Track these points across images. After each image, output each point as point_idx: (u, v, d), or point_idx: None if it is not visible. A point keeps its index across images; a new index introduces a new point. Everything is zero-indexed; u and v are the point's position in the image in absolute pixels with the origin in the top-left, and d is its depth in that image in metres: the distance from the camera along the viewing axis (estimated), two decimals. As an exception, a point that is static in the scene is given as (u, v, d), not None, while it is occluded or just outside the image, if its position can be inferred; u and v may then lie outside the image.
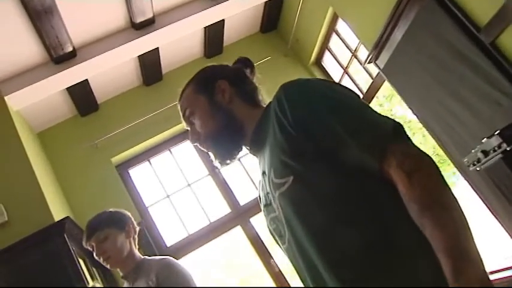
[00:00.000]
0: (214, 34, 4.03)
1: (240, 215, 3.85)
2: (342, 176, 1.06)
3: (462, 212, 0.92)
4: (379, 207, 1.03)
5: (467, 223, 0.90)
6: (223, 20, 3.89)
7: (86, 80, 3.54)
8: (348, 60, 3.98)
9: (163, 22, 3.45)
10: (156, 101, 3.95)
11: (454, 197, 0.94)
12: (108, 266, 1.95)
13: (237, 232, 3.85)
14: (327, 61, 4.31)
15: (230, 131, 1.26)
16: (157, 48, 3.72)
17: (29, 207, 2.84)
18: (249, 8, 3.97)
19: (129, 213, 2.07)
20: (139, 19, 3.31)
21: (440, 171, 0.96)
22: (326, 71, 4.33)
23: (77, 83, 3.46)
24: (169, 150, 4.07)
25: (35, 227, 2.69)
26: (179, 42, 3.85)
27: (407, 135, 1.04)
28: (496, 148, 2.40)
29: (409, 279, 0.97)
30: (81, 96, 3.70)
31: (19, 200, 2.82)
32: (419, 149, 1.00)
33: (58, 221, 2.80)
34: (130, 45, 3.38)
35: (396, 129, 1.02)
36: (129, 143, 3.85)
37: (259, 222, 3.93)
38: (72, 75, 3.29)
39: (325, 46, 4.18)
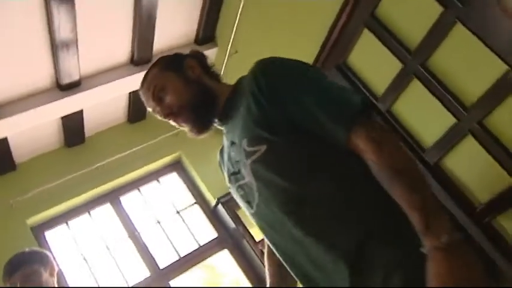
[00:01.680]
0: (139, 99, 4.13)
1: (159, 278, 3.82)
2: (311, 147, 1.16)
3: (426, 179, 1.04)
4: (346, 170, 1.15)
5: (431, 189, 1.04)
6: (147, 87, 4.05)
7: (5, 138, 3.50)
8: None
9: (89, 85, 3.56)
10: (77, 163, 3.95)
11: (418, 166, 1.06)
12: None
13: None
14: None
15: (204, 101, 1.34)
16: (81, 111, 3.78)
17: None
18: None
19: (49, 253, 2.07)
20: (65, 80, 3.40)
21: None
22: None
23: (-4, 142, 3.43)
24: (89, 213, 4.03)
25: None
26: (104, 106, 3.95)
27: (373, 111, 1.18)
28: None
29: (368, 226, 1.09)
30: (-1, 155, 3.65)
31: None
32: (382, 123, 1.15)
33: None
34: (54, 105, 3.43)
35: (364, 103, 1.14)
36: (47, 204, 3.77)
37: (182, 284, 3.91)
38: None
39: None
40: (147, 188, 4.29)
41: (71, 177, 3.84)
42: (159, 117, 1.42)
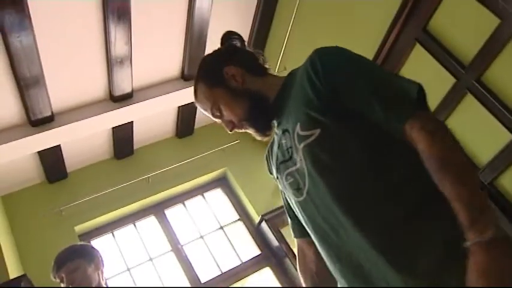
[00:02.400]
0: (187, 115, 4.26)
1: (200, 292, 3.81)
2: (365, 135, 1.16)
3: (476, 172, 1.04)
4: (401, 163, 1.14)
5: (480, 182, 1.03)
6: (196, 102, 4.13)
7: (59, 146, 3.63)
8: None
9: (140, 97, 3.65)
10: (125, 174, 4.04)
11: (469, 160, 1.06)
12: None
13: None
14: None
15: (257, 108, 1.35)
16: (131, 122, 3.88)
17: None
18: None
19: (96, 248, 2.11)
20: (118, 92, 3.51)
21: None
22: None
23: (49, 149, 3.55)
24: (134, 224, 4.09)
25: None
26: (153, 119, 4.04)
27: (427, 102, 1.15)
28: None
29: (427, 229, 1.07)
30: (52, 162, 3.77)
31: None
32: (437, 118, 1.12)
33: (14, 278, 2.75)
34: (106, 115, 3.54)
35: (420, 94, 1.13)
36: (94, 213, 3.87)
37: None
38: (47, 139, 3.38)
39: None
40: (192, 203, 4.32)
41: (119, 188, 3.93)
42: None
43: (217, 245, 4.12)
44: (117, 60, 3.27)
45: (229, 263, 4.01)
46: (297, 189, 1.28)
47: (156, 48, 3.51)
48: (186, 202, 4.30)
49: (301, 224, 1.36)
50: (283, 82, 1.36)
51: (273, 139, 1.44)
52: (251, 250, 4.13)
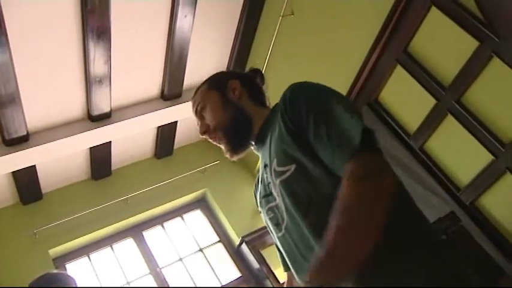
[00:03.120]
0: (166, 135, 4.20)
1: (178, 317, 3.71)
2: (326, 169, 1.16)
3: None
4: None
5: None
6: (176, 122, 4.09)
7: (34, 166, 3.53)
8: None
9: (119, 117, 3.59)
10: (102, 196, 3.95)
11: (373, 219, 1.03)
12: None
13: None
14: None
15: (239, 124, 1.37)
16: (109, 143, 3.81)
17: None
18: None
19: (72, 276, 2.03)
20: (96, 112, 3.44)
21: (381, 196, 1.04)
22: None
23: (24, 169, 3.45)
24: (111, 247, 3.98)
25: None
26: (132, 139, 3.98)
27: (374, 145, 1.11)
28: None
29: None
30: (26, 183, 3.66)
31: None
32: (379, 166, 1.08)
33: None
34: (84, 135, 3.47)
35: (364, 141, 1.10)
36: (70, 235, 3.76)
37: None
38: (21, 159, 3.29)
39: (271, 154, 4.41)
40: (171, 224, 4.24)
41: (96, 210, 3.83)
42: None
43: (196, 267, 4.04)
44: (96, 79, 3.22)
45: (209, 285, 3.92)
46: (276, 225, 1.29)
47: (136, 67, 3.47)
48: (164, 224, 4.22)
49: (283, 258, 1.37)
50: (267, 115, 1.37)
51: (260, 173, 1.44)
52: (231, 272, 4.06)
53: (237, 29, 3.76)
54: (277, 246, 1.44)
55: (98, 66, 3.15)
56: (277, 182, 1.22)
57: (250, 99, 1.41)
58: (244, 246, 3.96)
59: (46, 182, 3.82)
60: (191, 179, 4.23)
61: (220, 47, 3.84)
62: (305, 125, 1.18)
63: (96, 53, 3.06)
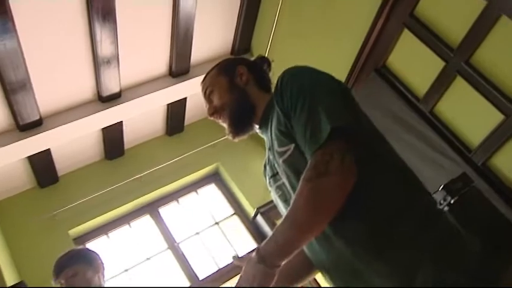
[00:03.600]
0: (176, 112, 4.23)
1: (199, 289, 3.81)
2: None
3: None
4: (376, 174, 1.25)
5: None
6: (185, 99, 4.11)
7: (49, 150, 3.59)
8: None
9: (129, 96, 3.62)
10: (117, 175, 4.01)
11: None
12: None
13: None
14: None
15: (242, 107, 1.47)
16: (121, 123, 3.85)
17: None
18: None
19: (95, 251, 2.10)
20: (106, 93, 3.47)
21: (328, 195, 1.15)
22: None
23: (39, 153, 3.50)
24: (129, 224, 4.06)
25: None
26: (142, 118, 4.01)
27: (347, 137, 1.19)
28: (442, 201, 2.59)
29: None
30: (42, 167, 3.72)
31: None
32: (330, 166, 1.16)
33: (12, 285, 2.71)
34: (95, 116, 3.51)
35: (331, 137, 1.18)
36: (88, 215, 3.83)
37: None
38: (36, 143, 3.34)
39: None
40: (186, 200, 4.30)
41: (111, 189, 3.90)
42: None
43: (213, 240, 4.11)
44: (104, 60, 3.24)
45: (227, 258, 4.01)
46: (285, 201, 1.39)
47: (143, 46, 3.48)
48: (180, 199, 4.28)
49: None
50: (268, 101, 1.45)
51: (266, 154, 1.53)
52: (248, 244, 4.13)
53: (241, 3, 3.74)
54: None
55: (105, 47, 3.16)
56: (280, 162, 1.31)
57: (256, 85, 1.51)
58: (259, 217, 4.02)
59: (61, 164, 3.88)
60: (203, 154, 4.27)
61: (225, 22, 3.82)
62: (291, 111, 1.27)
63: (103, 34, 3.07)
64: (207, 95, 1.52)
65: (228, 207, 4.31)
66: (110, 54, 3.22)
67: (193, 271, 3.88)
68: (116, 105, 3.57)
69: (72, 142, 3.69)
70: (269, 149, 1.41)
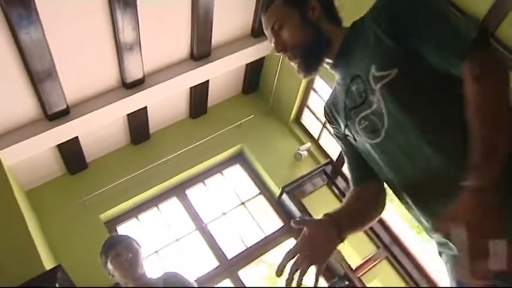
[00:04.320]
0: (199, 95, 4.26)
1: (228, 269, 3.88)
2: (433, 74, 1.21)
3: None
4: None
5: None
6: (207, 81, 4.13)
7: (77, 137, 3.67)
8: (326, 116, 4.21)
9: (152, 82, 3.66)
10: (144, 159, 4.09)
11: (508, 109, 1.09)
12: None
13: (226, 285, 3.86)
14: (306, 118, 4.54)
15: (318, 45, 1.37)
16: (145, 108, 3.90)
17: (22, 260, 2.86)
18: (231, 71, 4.24)
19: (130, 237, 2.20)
20: (130, 79, 3.52)
21: (508, 86, 1.11)
22: (306, 128, 4.56)
23: (68, 141, 3.59)
24: (157, 207, 4.15)
25: (27, 278, 2.70)
26: (166, 102, 4.05)
27: (488, 43, 1.17)
28: None
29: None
30: (71, 154, 3.81)
31: (12, 252, 2.84)
32: (496, 59, 1.14)
33: (50, 269, 2.82)
34: (120, 103, 3.56)
35: (480, 37, 1.14)
36: (117, 200, 3.93)
37: (248, 276, 3.96)
38: (64, 132, 3.42)
39: (304, 104, 4.43)
40: (212, 181, 4.36)
41: (139, 173, 3.97)
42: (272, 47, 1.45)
43: (240, 220, 4.18)
44: (126, 47, 3.27)
45: (254, 237, 4.07)
46: (373, 131, 1.31)
47: (164, 31, 3.50)
48: (206, 181, 4.34)
49: (366, 171, 1.43)
50: (347, 33, 1.38)
51: (334, 92, 1.47)
52: (274, 223, 4.18)
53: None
54: (353, 162, 1.49)
55: (126, 34, 3.19)
56: (378, 87, 1.24)
57: (328, 18, 1.40)
58: (285, 197, 4.06)
59: (89, 151, 3.97)
60: (227, 135, 4.30)
61: (244, 3, 3.80)
62: (412, 27, 1.20)
63: (124, 21, 3.10)
64: (275, 29, 1.39)
65: (253, 187, 4.36)
66: (132, 41, 3.25)
67: (221, 251, 3.96)
68: (140, 91, 3.62)
69: (99, 129, 3.76)
70: (353, 79, 1.33)
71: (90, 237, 3.66)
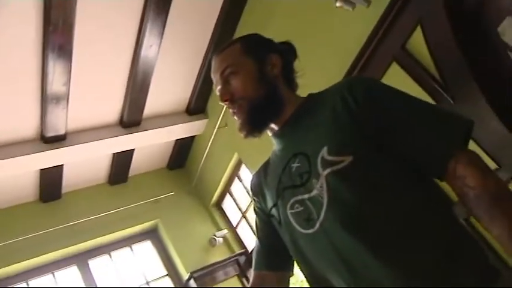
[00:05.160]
0: (122, 162, 4.13)
1: None
2: (399, 169, 1.09)
3: None
4: (424, 196, 1.08)
5: None
6: (133, 150, 4.04)
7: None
8: (247, 205, 4.18)
9: (74, 140, 3.52)
10: (50, 219, 3.84)
11: None
12: None
13: None
14: (228, 204, 4.48)
15: (269, 104, 1.23)
16: (62, 165, 3.72)
17: None
18: (160, 143, 4.19)
19: None
20: (50, 133, 3.36)
21: None
22: (225, 214, 4.48)
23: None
24: (53, 274, 3.83)
25: None
26: (86, 163, 3.89)
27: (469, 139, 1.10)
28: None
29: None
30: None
31: None
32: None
33: None
34: (36, 156, 3.37)
35: (469, 132, 1.08)
36: (10, 259, 3.61)
37: None
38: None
39: (227, 189, 4.39)
40: (119, 254, 4.12)
41: (41, 234, 3.70)
42: (217, 94, 1.30)
43: (141, 301, 3.92)
44: (52, 100, 3.16)
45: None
46: (307, 220, 1.14)
47: (97, 91, 3.43)
48: (112, 253, 4.10)
49: (281, 259, 1.29)
50: (302, 103, 1.27)
51: (269, 162, 1.34)
52: (176, 308, 3.96)
53: (202, 61, 3.76)
54: (265, 243, 1.34)
55: (56, 86, 3.08)
56: (325, 172, 1.09)
57: (285, 81, 1.29)
58: (192, 282, 3.87)
59: (-9, 201, 3.68)
60: (144, 208, 4.15)
61: (184, 78, 3.84)
62: (381, 113, 1.10)
63: (56, 73, 3.00)
64: (225, 74, 1.25)
65: (161, 267, 4.15)
66: (60, 94, 3.14)
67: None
68: (58, 148, 3.45)
69: (7, 178, 3.52)
70: (295, 155, 1.18)
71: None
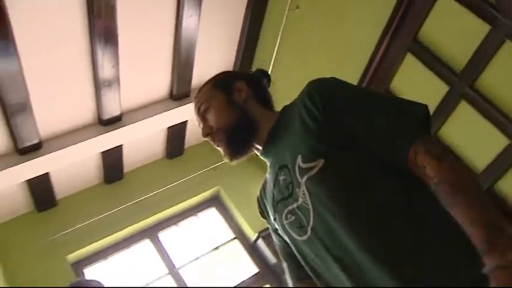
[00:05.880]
0: (176, 135, 4.20)
1: (199, 316, 3.73)
2: (368, 163, 1.12)
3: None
4: (397, 188, 1.10)
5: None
6: (186, 122, 4.09)
7: (48, 173, 3.54)
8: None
9: (129, 120, 3.59)
10: (116, 199, 3.96)
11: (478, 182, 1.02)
12: None
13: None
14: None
15: (243, 128, 1.31)
16: (120, 146, 3.82)
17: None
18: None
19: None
20: (106, 116, 3.45)
21: None
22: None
23: (38, 177, 3.46)
24: (128, 249, 4.00)
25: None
26: (142, 141, 3.98)
27: (431, 124, 1.13)
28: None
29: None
30: (41, 190, 3.67)
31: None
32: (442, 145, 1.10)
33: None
34: (95, 140, 3.47)
35: (426, 117, 1.11)
36: (86, 240, 3.77)
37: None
38: (35, 167, 3.30)
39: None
40: (186, 224, 4.25)
41: (110, 213, 3.84)
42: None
43: (213, 265, 4.05)
44: (104, 83, 3.22)
45: (228, 282, 3.93)
46: (300, 227, 1.20)
47: (144, 69, 3.47)
48: (179, 223, 4.22)
49: (297, 267, 1.30)
50: (278, 118, 1.32)
51: (265, 180, 1.38)
52: (248, 268, 4.06)
53: (242, 26, 3.74)
54: (285, 259, 1.37)
55: (106, 70, 3.14)
56: (303, 180, 1.14)
57: (257, 101, 1.36)
58: (260, 242, 3.97)
59: (60, 188, 3.83)
60: (203, 177, 4.22)
61: (226, 45, 3.83)
62: (342, 113, 1.14)
63: (104, 57, 3.06)
64: (201, 112, 1.35)
65: (229, 231, 4.25)
66: (111, 77, 3.20)
67: (193, 296, 3.81)
68: (116, 129, 3.54)
69: (71, 165, 3.65)
70: (280, 169, 1.23)
71: (55, 279, 3.48)
